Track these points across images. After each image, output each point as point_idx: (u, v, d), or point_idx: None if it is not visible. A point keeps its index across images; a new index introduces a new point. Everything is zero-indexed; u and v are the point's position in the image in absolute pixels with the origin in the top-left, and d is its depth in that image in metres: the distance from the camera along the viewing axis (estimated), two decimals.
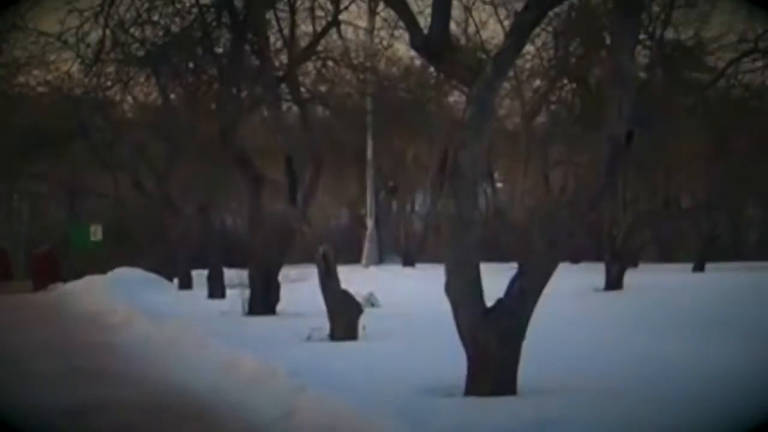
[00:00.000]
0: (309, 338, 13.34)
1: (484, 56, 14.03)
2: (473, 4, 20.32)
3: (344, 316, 13.43)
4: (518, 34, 9.37)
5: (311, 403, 8.89)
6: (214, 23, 18.37)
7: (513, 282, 9.08)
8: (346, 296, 13.62)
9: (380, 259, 34.85)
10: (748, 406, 8.34)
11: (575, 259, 29.35)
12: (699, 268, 30.44)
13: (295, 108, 19.66)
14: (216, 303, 20.47)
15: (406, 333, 13.78)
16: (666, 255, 36.01)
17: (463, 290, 9.14)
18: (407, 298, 19.92)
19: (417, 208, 41.02)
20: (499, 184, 38.68)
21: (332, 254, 14.07)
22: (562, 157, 31.09)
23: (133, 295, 21.42)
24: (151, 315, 17.29)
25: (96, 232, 32.28)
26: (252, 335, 13.81)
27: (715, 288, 21.95)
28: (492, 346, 8.97)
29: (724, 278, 25.51)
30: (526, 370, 9.08)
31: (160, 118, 25.58)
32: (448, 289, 9.22)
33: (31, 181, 37.54)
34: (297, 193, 14.78)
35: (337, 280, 13.79)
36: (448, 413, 8.19)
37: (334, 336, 13.38)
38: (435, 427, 7.75)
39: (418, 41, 9.77)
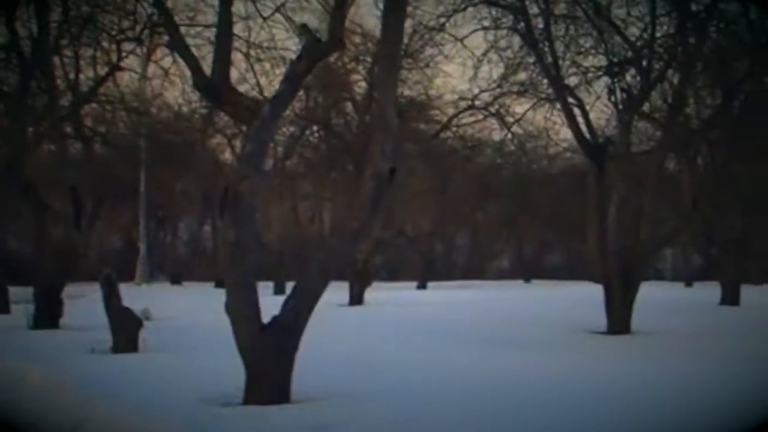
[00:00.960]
0: (93, 351, 12.22)
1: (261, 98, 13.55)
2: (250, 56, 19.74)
3: (126, 330, 12.38)
4: (292, 81, 8.80)
5: (100, 415, 7.93)
6: (2, 64, 17.08)
7: (288, 300, 8.47)
8: (128, 312, 12.60)
9: (151, 278, 33.59)
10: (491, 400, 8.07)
11: None
12: (422, 286, 30.71)
13: (77, 144, 18.55)
14: (1, 318, 18.82)
15: (181, 345, 12.87)
16: (392, 275, 36.20)
17: (241, 309, 8.44)
18: (178, 312, 18.91)
19: (179, 234, 39.81)
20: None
21: (114, 276, 13.02)
22: (309, 192, 30.74)
23: None
24: None
25: None
26: (39, 348, 12.53)
27: (436, 302, 22.04)
28: (268, 359, 8.32)
29: (442, 294, 25.78)
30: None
31: None
32: (228, 308, 8.48)
33: None
34: (81, 220, 13.61)
35: (119, 298, 12.74)
36: (230, 421, 7.46)
37: (116, 349, 12.31)
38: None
39: (201, 84, 9.03)
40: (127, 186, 30.66)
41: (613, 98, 15.90)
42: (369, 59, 22.68)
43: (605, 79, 16.23)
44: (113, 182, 24.58)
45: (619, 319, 14.95)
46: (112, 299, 12.63)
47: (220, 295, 23.32)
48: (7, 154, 17.04)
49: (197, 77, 9.00)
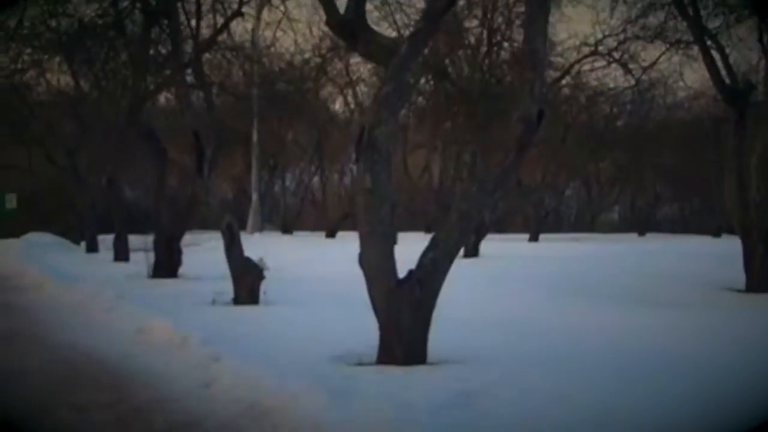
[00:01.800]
0: (214, 302, 11.69)
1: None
2: None
3: (247, 281, 11.79)
4: (432, 17, 7.94)
5: (228, 373, 7.28)
6: (126, 12, 16.64)
7: (425, 253, 7.69)
8: (249, 262, 11.98)
9: (262, 228, 33.26)
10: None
11: (429, 229, 28.17)
12: (534, 238, 29.68)
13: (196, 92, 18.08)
14: (121, 266, 18.63)
15: (301, 297, 12.23)
16: (500, 227, 35.15)
17: (377, 262, 7.71)
18: (293, 263, 18.33)
19: (287, 183, 39.32)
20: None
21: (236, 224, 12.43)
22: (421, 142, 29.86)
23: (44, 257, 19.31)
24: (60, 277, 15.29)
25: (11, 201, 29.95)
26: (160, 298, 12.07)
27: (553, 255, 21.05)
28: (404, 315, 7.58)
29: (556, 246, 24.75)
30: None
31: (72, 100, 23.50)
32: (362, 261, 7.75)
33: None
34: (204, 166, 13.03)
35: (240, 248, 12.14)
36: (366, 383, 6.71)
37: (237, 300, 11.74)
38: (358, 397, 6.26)
39: (333, 20, 8.24)
40: (239, 135, 30.34)
41: (761, 39, 14.49)
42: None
43: (747, 22, 14.86)
44: (227, 131, 24.22)
45: (759, 276, 13.77)
46: (233, 249, 12.05)
47: (332, 246, 22.93)
48: (129, 101, 16.71)
49: (331, 14, 8.20)
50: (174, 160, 17.70)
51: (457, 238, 7.74)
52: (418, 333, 7.59)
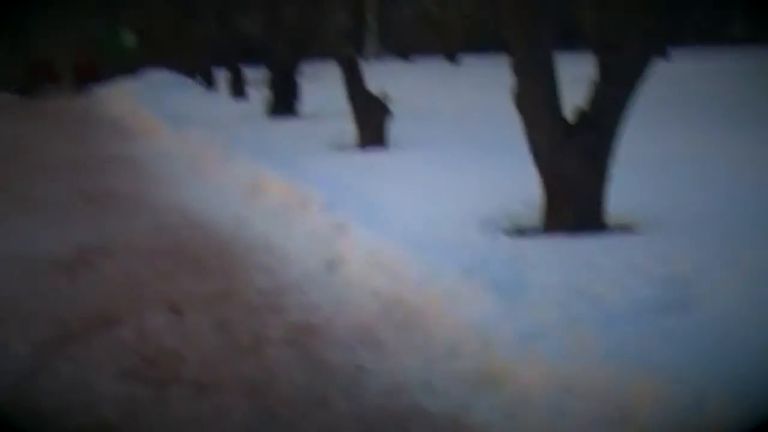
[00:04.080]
0: (336, 147, 10.00)
1: None
2: None
3: (373, 121, 9.99)
4: None
5: (359, 251, 5.59)
6: None
7: (598, 88, 5.77)
8: (374, 99, 10.13)
9: (378, 52, 31.22)
10: None
11: None
12: None
13: None
14: (238, 103, 17.15)
15: (434, 138, 10.40)
16: None
17: (539, 101, 5.82)
18: (416, 94, 16.37)
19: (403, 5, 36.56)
20: None
21: (356, 56, 10.51)
22: None
23: (159, 98, 17.87)
24: (174, 120, 13.74)
25: (129, 39, 28.88)
26: (277, 144, 10.45)
27: None
28: (576, 169, 5.73)
29: None
30: None
31: None
32: (519, 101, 5.87)
33: None
34: None
35: (363, 83, 10.28)
36: (540, 267, 4.89)
37: (362, 143, 10.00)
38: (531, 294, 4.48)
39: None
40: None
41: None
42: None
43: None
44: None
45: None
46: (354, 83, 10.21)
47: (455, 73, 20.01)
48: None
49: None
50: None
51: (639, 63, 5.73)
52: (594, 191, 5.77)
